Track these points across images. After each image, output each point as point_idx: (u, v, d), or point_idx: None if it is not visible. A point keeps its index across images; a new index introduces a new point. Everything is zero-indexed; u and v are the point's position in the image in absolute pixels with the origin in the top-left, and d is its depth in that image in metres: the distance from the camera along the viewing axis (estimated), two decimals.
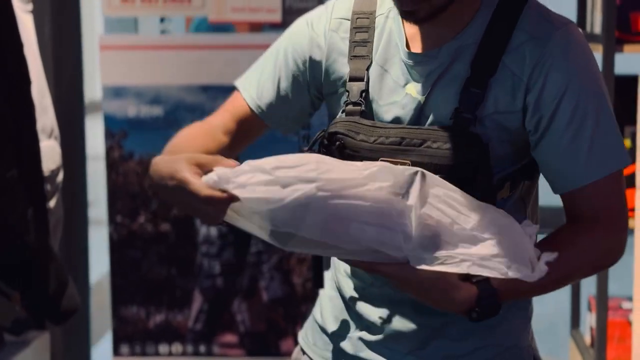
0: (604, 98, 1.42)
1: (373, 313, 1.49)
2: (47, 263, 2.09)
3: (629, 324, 2.78)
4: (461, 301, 1.34)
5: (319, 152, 1.45)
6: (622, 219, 1.44)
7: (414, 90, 1.43)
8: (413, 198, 1.29)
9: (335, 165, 1.31)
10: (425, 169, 1.34)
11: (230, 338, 3.09)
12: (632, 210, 2.66)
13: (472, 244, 1.31)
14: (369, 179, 1.30)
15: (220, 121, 1.57)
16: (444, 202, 1.32)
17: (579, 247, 1.41)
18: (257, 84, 1.57)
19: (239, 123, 1.57)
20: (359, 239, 1.29)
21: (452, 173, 1.35)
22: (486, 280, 1.34)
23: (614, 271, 2.86)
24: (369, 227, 1.28)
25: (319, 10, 1.55)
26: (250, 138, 1.60)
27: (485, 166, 1.37)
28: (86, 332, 3.17)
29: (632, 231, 2.61)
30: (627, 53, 2.66)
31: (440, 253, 1.30)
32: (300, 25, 1.56)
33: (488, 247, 1.31)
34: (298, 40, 1.54)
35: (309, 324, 1.61)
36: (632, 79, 2.59)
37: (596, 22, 2.81)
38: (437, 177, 1.33)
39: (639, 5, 2.63)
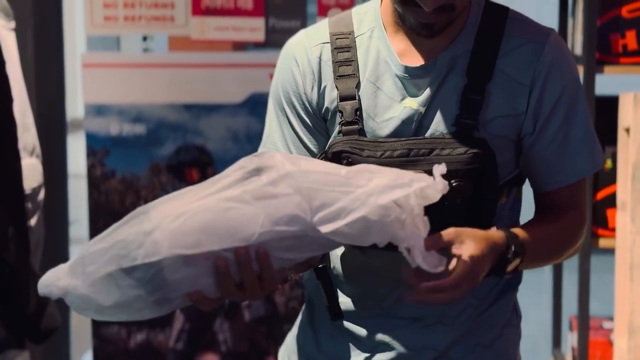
0: (584, 99, 1.50)
1: (376, 336, 1.48)
2: (27, 282, 2.07)
3: (610, 343, 2.79)
4: (499, 245, 1.37)
5: None
6: (586, 211, 1.53)
7: (414, 102, 1.44)
8: (286, 166, 1.28)
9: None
10: None
11: (211, 358, 3.07)
12: (613, 230, 2.67)
13: (368, 180, 1.28)
14: (230, 170, 1.29)
15: None
16: (316, 164, 1.31)
17: (560, 224, 1.48)
18: (289, 150, 1.53)
19: None
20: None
21: (464, 178, 1.37)
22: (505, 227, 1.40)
23: (595, 291, 2.87)
24: (261, 221, 1.25)
25: (294, 45, 1.53)
26: None
27: (492, 170, 1.40)
28: (66, 352, 3.14)
29: (612, 250, 2.62)
30: (608, 74, 2.68)
31: (341, 205, 1.26)
32: (287, 68, 1.52)
33: (382, 178, 1.29)
34: (293, 88, 1.51)
35: (291, 348, 1.59)
36: (612, 100, 2.61)
37: (577, 43, 2.83)
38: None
39: (619, 27, 2.66)
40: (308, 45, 1.51)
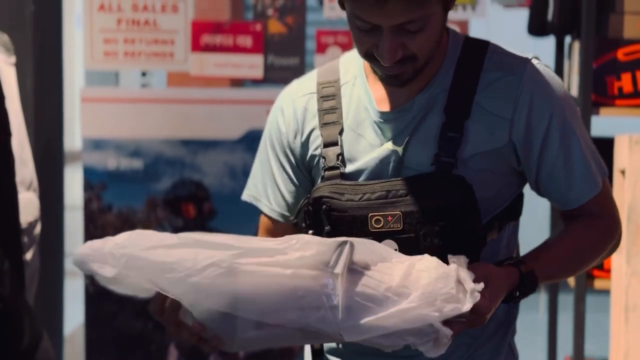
0: (579, 116, 1.50)
1: None
2: (21, 316, 2.06)
3: None
4: (509, 283, 1.39)
5: (304, 220, 1.46)
6: (618, 214, 1.53)
7: (391, 145, 1.46)
8: (340, 267, 1.28)
9: (252, 240, 1.32)
10: (414, 216, 1.38)
11: None
12: (608, 271, 2.67)
13: (402, 298, 1.29)
14: (290, 249, 1.29)
15: None
16: (371, 267, 1.31)
17: (587, 235, 1.49)
18: (267, 195, 1.57)
19: (274, 235, 1.57)
20: (288, 317, 1.27)
21: (440, 217, 1.38)
22: (521, 261, 1.40)
23: (590, 332, 2.86)
24: (292, 305, 1.26)
25: (284, 95, 1.57)
26: None
27: (472, 206, 1.40)
28: None
29: (607, 292, 2.62)
30: (603, 116, 2.70)
31: (370, 319, 1.28)
32: (273, 118, 1.57)
33: (414, 300, 1.29)
34: (277, 136, 1.56)
35: None
36: (608, 142, 2.62)
37: (573, 85, 2.86)
38: (365, 240, 1.33)
39: (615, 70, 2.68)
40: (296, 95, 1.55)
